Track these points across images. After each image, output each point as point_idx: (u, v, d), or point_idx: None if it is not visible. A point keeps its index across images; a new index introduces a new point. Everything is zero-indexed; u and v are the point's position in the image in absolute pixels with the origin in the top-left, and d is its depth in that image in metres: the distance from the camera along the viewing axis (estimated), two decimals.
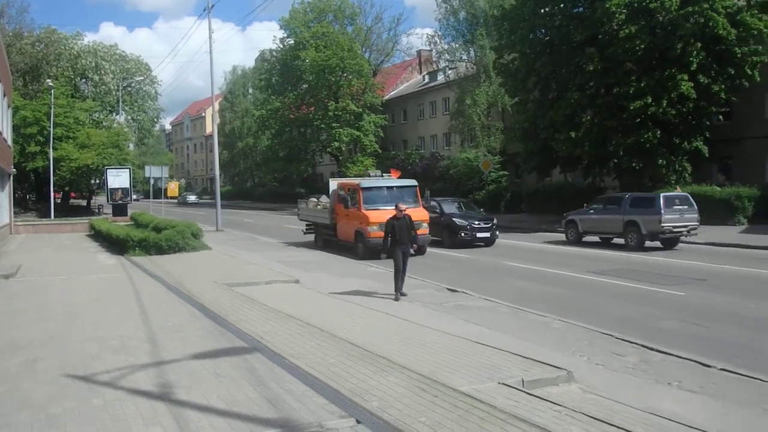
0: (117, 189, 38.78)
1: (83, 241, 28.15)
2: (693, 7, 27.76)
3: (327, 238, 24.66)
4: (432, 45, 52.85)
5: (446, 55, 51.82)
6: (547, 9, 33.63)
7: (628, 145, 29.81)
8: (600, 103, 30.85)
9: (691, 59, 28.11)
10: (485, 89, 44.91)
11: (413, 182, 23.61)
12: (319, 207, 25.91)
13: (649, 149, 29.64)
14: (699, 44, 28.09)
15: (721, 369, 8.42)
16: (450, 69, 52.26)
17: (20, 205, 46.44)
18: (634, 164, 30.52)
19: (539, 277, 16.81)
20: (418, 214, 20.59)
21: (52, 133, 41.03)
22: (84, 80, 56.72)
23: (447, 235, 23.90)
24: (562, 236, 25.96)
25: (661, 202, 21.69)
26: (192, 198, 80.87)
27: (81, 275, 17.09)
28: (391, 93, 65.60)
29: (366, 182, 22.52)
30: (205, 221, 33.86)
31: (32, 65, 50.73)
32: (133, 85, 59.45)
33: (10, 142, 33.93)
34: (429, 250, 22.19)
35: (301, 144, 62.68)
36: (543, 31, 34.29)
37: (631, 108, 28.85)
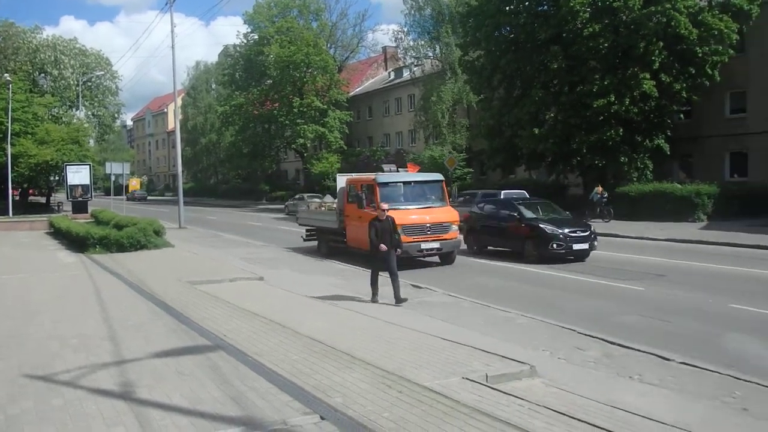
0: (77, 186, 37.99)
1: (42, 239, 27.62)
2: (656, 7, 28.21)
3: (333, 245, 21.09)
4: (397, 41, 52.86)
5: (412, 51, 51.88)
6: (512, 6, 33.89)
7: (591, 143, 30.21)
8: (564, 101, 31.19)
9: (653, 58, 28.61)
10: (450, 86, 45.09)
11: (438, 176, 20.38)
12: (323, 209, 23.27)
13: (612, 147, 30.08)
14: (661, 43, 28.60)
15: (680, 362, 8.55)
16: (415, 66, 52.35)
17: None
18: (597, 161, 30.97)
19: (500, 272, 16.99)
20: (447, 214, 18.31)
21: (10, 128, 40.09)
22: (43, 75, 55.59)
23: (532, 246, 18.52)
24: None
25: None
26: (139, 193, 79.35)
27: (40, 273, 16.78)
28: (357, 89, 65.55)
29: (383, 177, 19.01)
30: (168, 218, 33.48)
31: None
32: (93, 80, 58.40)
33: None
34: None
35: (266, 140, 62.30)
36: (508, 28, 34.56)
37: (595, 106, 29.21)
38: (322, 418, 6.02)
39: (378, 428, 5.77)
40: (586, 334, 10.08)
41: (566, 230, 18.40)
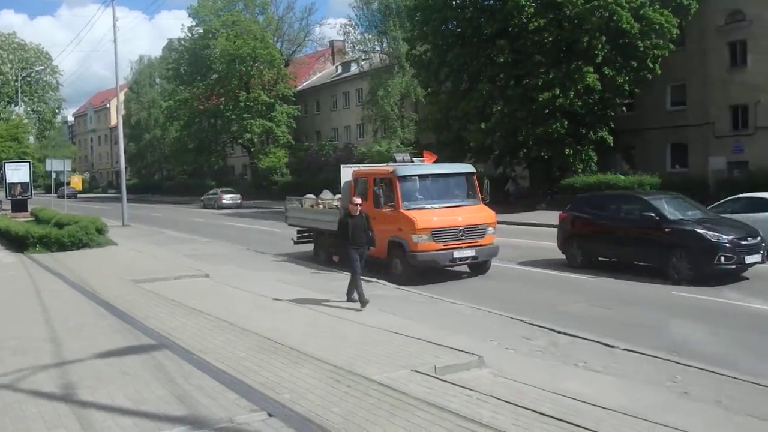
0: (16, 184, 36.89)
1: None
2: (598, 2, 28.66)
3: (335, 250, 14.68)
4: (345, 35, 52.74)
5: (359, 45, 51.68)
6: (458, 1, 34.01)
7: (537, 135, 30.60)
8: (510, 95, 31.49)
9: (596, 52, 29.13)
10: (398, 80, 45.14)
11: (469, 168, 16.73)
12: (320, 207, 18.55)
13: (557, 139, 30.53)
14: (604, 38, 29.13)
15: (624, 349, 8.74)
16: (363, 60, 52.23)
17: None
18: (543, 154, 31.39)
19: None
20: (482, 214, 14.83)
21: None
22: None
23: (686, 258, 13.21)
24: None
25: None
26: (70, 191, 77.53)
27: None
28: (304, 83, 65.08)
29: (404, 169, 15.20)
30: (111, 216, 32.79)
31: None
32: (32, 75, 56.90)
33: None
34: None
35: (212, 135, 61.51)
36: (455, 23, 34.67)
37: (540, 99, 29.58)
38: (270, 415, 5.97)
39: (326, 423, 5.75)
40: (532, 324, 10.21)
41: (732, 236, 13.20)
